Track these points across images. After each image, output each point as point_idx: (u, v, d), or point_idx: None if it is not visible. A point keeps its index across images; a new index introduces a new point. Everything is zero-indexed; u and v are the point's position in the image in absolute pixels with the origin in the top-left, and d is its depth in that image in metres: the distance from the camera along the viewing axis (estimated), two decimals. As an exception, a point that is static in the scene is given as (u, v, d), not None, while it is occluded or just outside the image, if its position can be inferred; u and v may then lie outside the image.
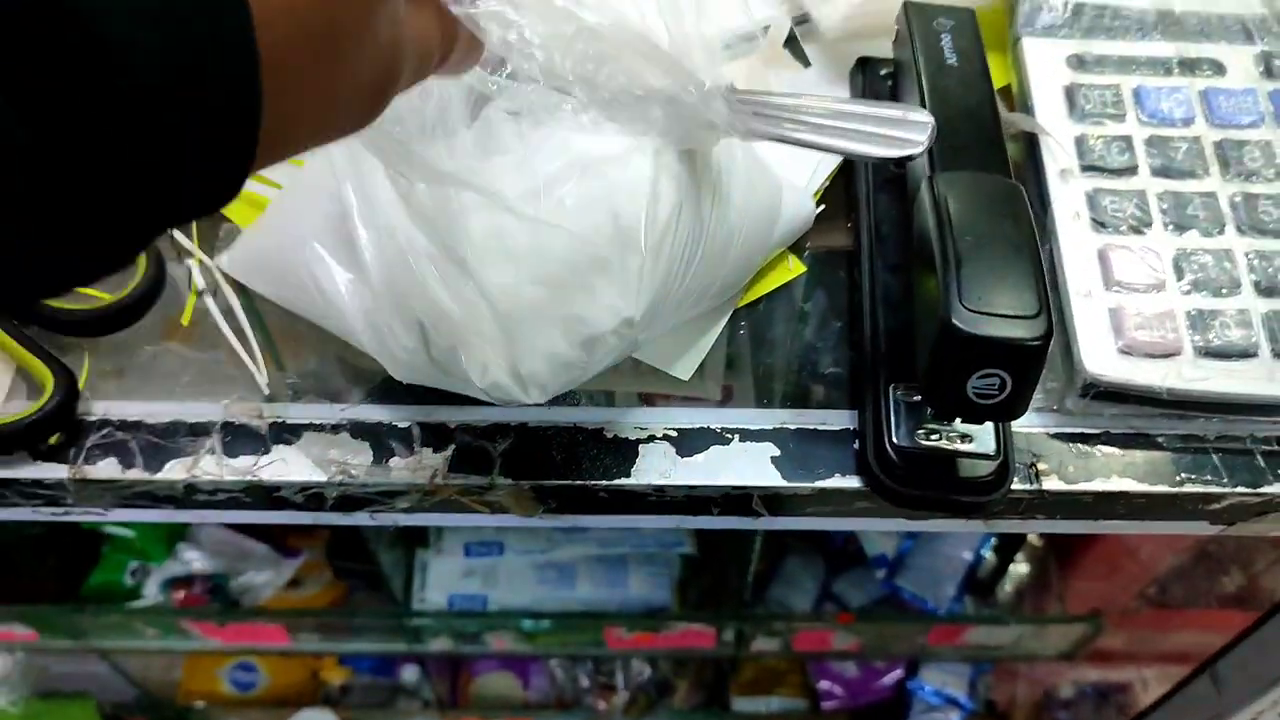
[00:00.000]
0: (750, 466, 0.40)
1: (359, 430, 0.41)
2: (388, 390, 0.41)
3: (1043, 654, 0.91)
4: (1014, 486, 0.39)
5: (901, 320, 0.41)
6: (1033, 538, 0.90)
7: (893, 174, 0.45)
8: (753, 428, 0.41)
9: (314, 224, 0.40)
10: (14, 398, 0.41)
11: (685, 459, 0.40)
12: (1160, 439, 0.41)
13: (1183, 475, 0.40)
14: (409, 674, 1.02)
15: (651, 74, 0.33)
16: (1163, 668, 0.84)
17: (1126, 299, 0.41)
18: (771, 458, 0.40)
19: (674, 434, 0.41)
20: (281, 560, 0.90)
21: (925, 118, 0.35)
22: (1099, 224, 0.43)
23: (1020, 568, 0.94)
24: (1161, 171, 0.44)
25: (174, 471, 0.40)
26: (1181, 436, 0.41)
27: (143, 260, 0.43)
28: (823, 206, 0.46)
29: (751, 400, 0.42)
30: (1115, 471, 0.40)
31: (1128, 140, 0.44)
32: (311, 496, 0.40)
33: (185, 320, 0.44)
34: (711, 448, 0.40)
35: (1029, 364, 0.33)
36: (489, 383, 0.36)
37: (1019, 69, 0.47)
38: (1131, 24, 0.47)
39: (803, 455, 0.40)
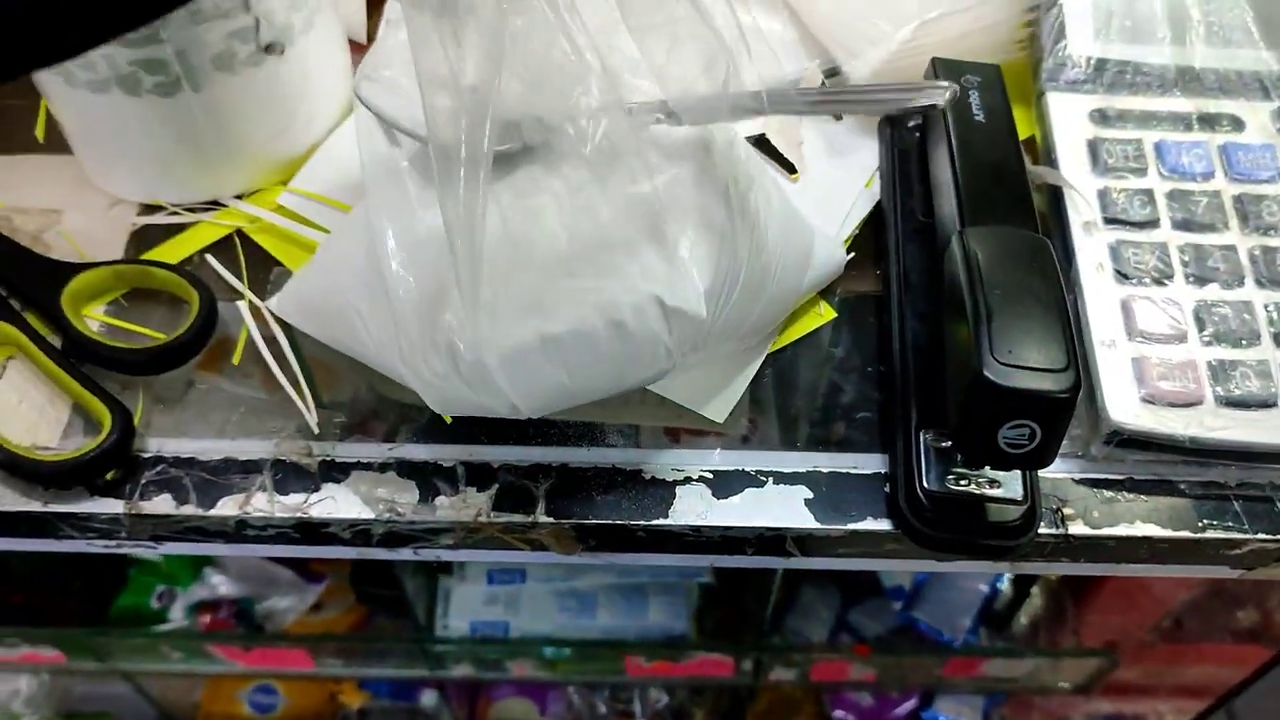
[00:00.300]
0: (784, 509, 0.41)
1: (405, 469, 0.42)
2: (433, 429, 0.43)
3: (1057, 687, 0.92)
4: (1040, 530, 0.40)
5: (931, 367, 0.43)
6: (1048, 571, 0.91)
7: (921, 224, 0.47)
8: (786, 470, 0.42)
9: (357, 265, 0.42)
10: (71, 434, 0.43)
11: (721, 500, 0.41)
12: (1182, 485, 0.42)
13: (1204, 521, 0.41)
14: (428, 699, 1.03)
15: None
16: (1178, 702, 0.84)
17: (1149, 349, 0.42)
18: (805, 500, 0.41)
19: (709, 476, 0.42)
20: (306, 586, 0.91)
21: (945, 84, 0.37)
22: (1122, 275, 0.44)
23: (1035, 600, 0.94)
24: (1182, 225, 0.45)
25: (226, 508, 0.41)
26: (1203, 483, 0.42)
27: (195, 301, 0.44)
28: (852, 254, 0.48)
29: (785, 443, 0.43)
30: (1139, 517, 0.41)
31: (1149, 194, 0.46)
32: (359, 533, 0.42)
33: (236, 359, 0.45)
34: (746, 490, 0.42)
35: (1058, 415, 0.35)
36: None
37: (1043, 122, 0.49)
38: (1153, 80, 0.49)
39: (835, 498, 0.41)
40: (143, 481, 0.42)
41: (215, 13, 0.42)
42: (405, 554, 0.43)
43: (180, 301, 0.46)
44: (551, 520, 0.41)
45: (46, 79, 0.45)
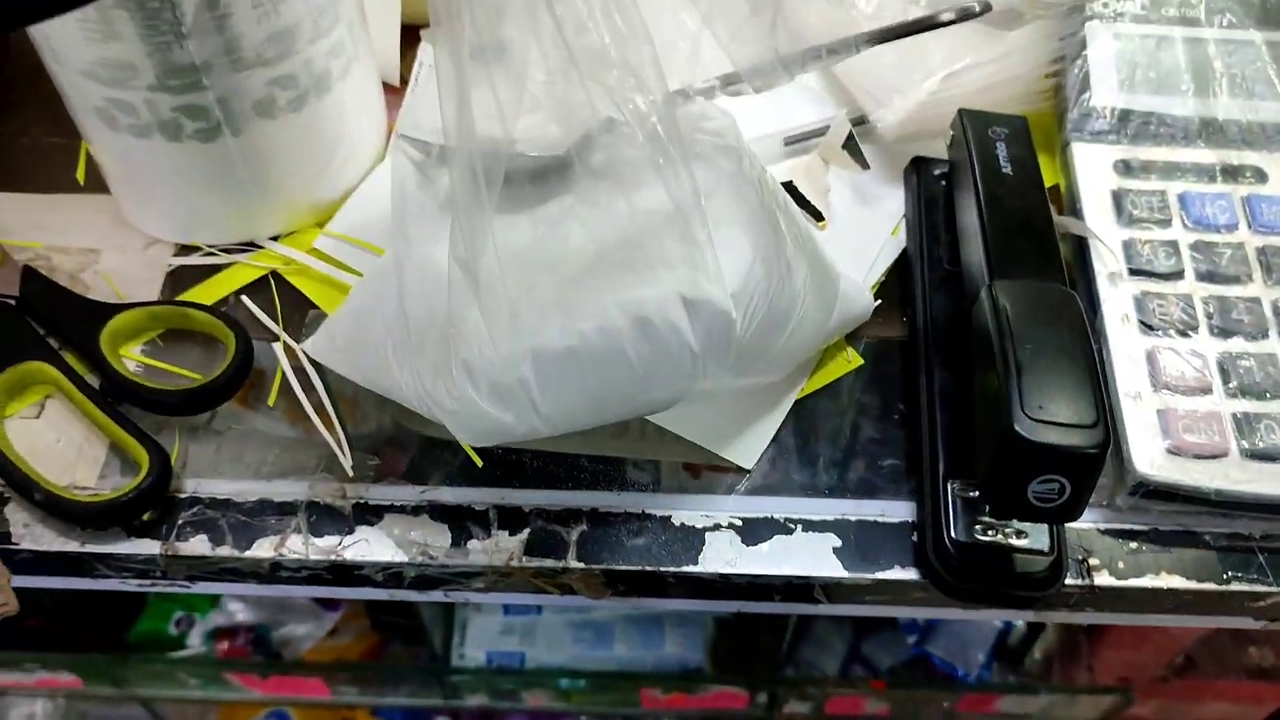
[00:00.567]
0: (812, 557, 0.42)
1: (438, 512, 0.43)
2: (465, 471, 0.43)
3: (1072, 723, 0.92)
4: (1066, 580, 0.41)
5: (958, 417, 0.43)
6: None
7: (948, 272, 0.47)
8: (815, 518, 0.43)
9: (389, 307, 0.42)
10: (108, 473, 0.44)
11: (750, 547, 0.42)
12: (1207, 537, 0.42)
13: (1229, 573, 0.41)
14: (441, 727, 1.03)
15: None
16: (1193, 741, 0.84)
17: (1174, 401, 0.43)
18: (833, 548, 0.42)
19: (739, 523, 0.42)
20: (323, 613, 0.91)
21: None
22: (1147, 326, 0.44)
23: (1049, 636, 0.94)
24: (1207, 276, 0.46)
25: (262, 549, 0.42)
26: (1227, 535, 0.42)
27: (232, 343, 0.45)
28: (879, 301, 0.48)
29: (812, 489, 0.43)
30: (1163, 568, 0.42)
31: (1174, 245, 0.46)
32: (391, 575, 0.42)
33: (271, 401, 0.46)
34: (775, 537, 0.42)
35: (1088, 471, 0.35)
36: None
37: (1068, 172, 0.49)
38: (1176, 131, 0.49)
39: (863, 546, 0.42)
40: (179, 522, 0.42)
41: (257, 60, 0.43)
42: (436, 596, 0.44)
43: (216, 342, 0.47)
44: (583, 566, 0.41)
45: (89, 122, 0.45)
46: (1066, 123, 0.50)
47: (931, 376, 0.45)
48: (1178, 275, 0.46)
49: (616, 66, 0.35)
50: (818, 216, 0.50)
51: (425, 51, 0.56)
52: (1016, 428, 0.35)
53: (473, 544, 0.42)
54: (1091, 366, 0.36)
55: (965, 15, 0.46)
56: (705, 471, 0.44)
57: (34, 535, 0.42)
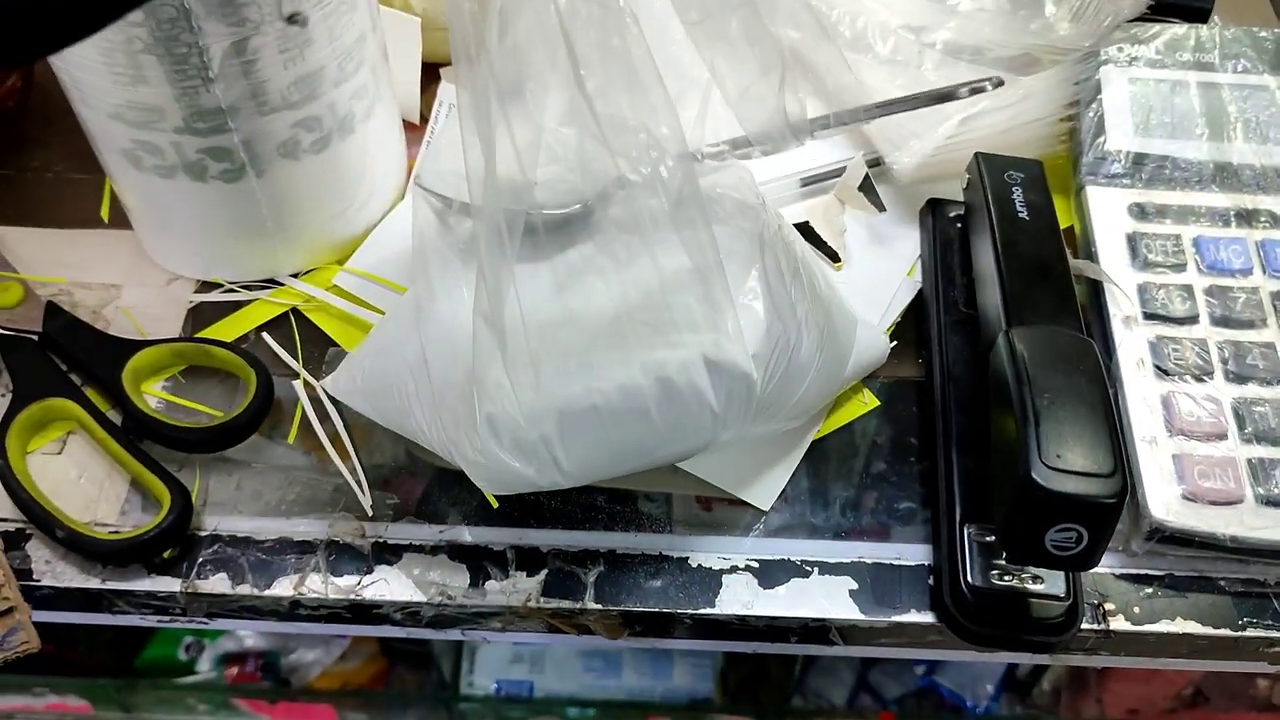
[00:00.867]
0: (829, 600, 0.42)
1: (456, 552, 0.43)
2: (483, 512, 0.44)
3: (1081, 756, 0.91)
4: (1082, 626, 0.41)
5: (975, 460, 0.43)
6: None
7: (963, 314, 0.48)
8: (831, 560, 0.43)
9: (409, 347, 0.43)
10: (129, 510, 0.44)
11: (767, 590, 0.42)
12: (1222, 582, 0.43)
13: (1244, 619, 0.42)
14: (448, 754, 1.03)
15: None
16: (1204, 776, 0.84)
17: (1190, 446, 0.43)
18: (849, 591, 0.42)
19: (755, 565, 0.43)
20: (332, 638, 0.91)
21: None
22: (1162, 371, 0.45)
23: (1058, 667, 0.94)
24: (1222, 321, 0.46)
25: (281, 588, 0.42)
26: (1243, 580, 0.43)
27: (253, 381, 0.45)
28: (894, 342, 0.48)
29: (828, 531, 0.44)
30: (1179, 613, 0.42)
31: (1189, 289, 0.47)
32: (409, 614, 0.42)
33: (291, 439, 0.46)
34: (792, 579, 0.42)
35: (1106, 520, 0.36)
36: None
37: (1083, 216, 0.50)
38: (1191, 175, 0.50)
39: (879, 590, 0.42)
40: (199, 560, 0.43)
41: (283, 104, 0.43)
42: (453, 634, 0.44)
43: (237, 379, 0.47)
44: (600, 607, 0.42)
45: (114, 162, 0.46)
46: (1081, 166, 0.50)
47: (948, 419, 0.45)
48: (1193, 320, 0.46)
49: (639, 131, 0.36)
50: (834, 257, 0.51)
51: (445, 90, 0.57)
52: (1034, 476, 0.35)
53: (490, 584, 0.42)
54: (1109, 415, 0.37)
55: (978, 90, 0.46)
56: (718, 504, 0.44)
57: (55, 572, 0.42)
